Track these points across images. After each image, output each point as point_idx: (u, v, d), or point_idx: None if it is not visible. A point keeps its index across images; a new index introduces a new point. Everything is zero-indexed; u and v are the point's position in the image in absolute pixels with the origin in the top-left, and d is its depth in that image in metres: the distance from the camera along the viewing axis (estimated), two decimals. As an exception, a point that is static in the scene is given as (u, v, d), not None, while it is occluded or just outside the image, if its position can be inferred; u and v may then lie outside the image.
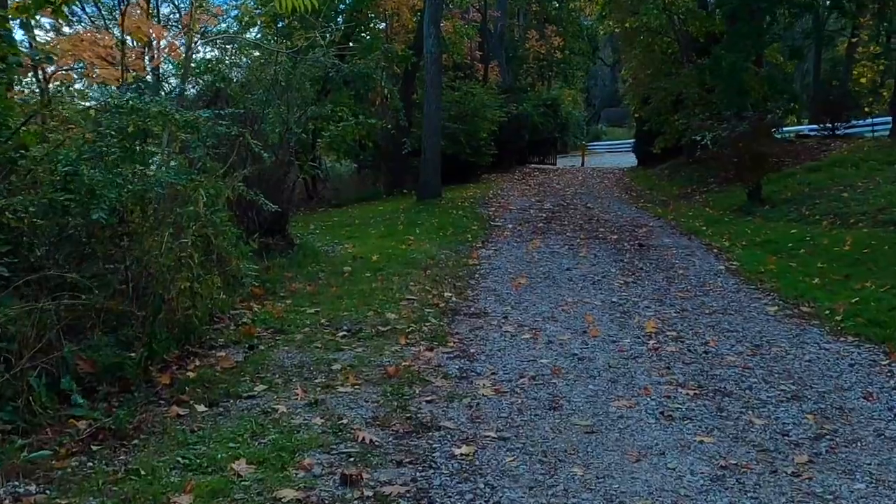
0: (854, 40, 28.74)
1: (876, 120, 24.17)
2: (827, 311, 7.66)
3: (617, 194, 22.48)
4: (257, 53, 13.25)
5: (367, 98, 27.18)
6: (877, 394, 5.29)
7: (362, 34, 26.71)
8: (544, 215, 16.67)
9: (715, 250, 11.87)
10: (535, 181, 26.36)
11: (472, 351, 6.44)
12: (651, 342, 6.62)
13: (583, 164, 36.11)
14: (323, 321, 7.34)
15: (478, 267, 10.53)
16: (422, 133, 20.14)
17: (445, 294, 8.67)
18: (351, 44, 23.88)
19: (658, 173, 26.41)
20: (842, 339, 6.79)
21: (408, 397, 5.25)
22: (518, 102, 32.24)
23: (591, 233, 13.85)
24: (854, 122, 24.38)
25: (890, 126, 21.46)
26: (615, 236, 13.35)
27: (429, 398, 5.24)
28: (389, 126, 20.59)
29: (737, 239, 12.57)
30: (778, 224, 13.71)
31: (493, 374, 5.81)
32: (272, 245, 10.81)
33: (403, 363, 5.99)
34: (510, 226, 14.89)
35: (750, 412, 4.95)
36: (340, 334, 6.88)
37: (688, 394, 5.27)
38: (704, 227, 14.10)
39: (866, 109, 26.85)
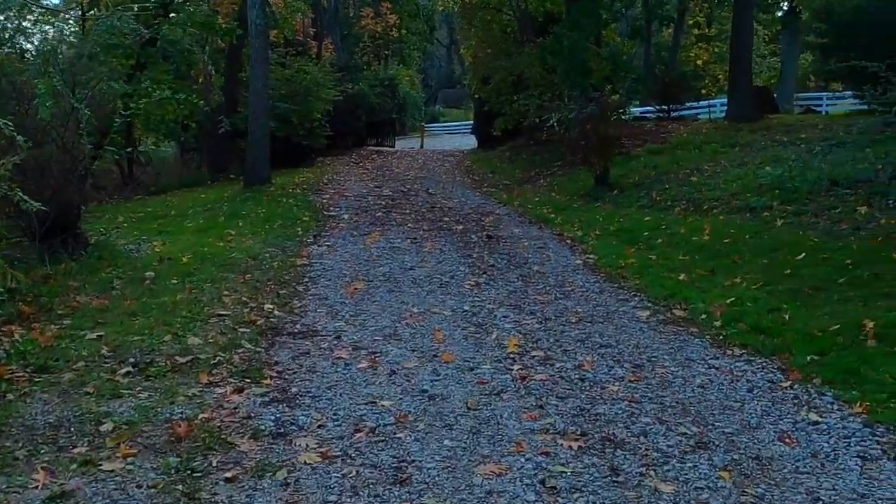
0: (691, 22, 29.10)
1: (712, 102, 24.40)
2: (703, 316, 6.78)
3: (459, 178, 21.50)
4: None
5: (189, 75, 24.89)
6: (792, 433, 4.33)
7: (186, 4, 24.33)
8: (383, 203, 15.35)
9: (568, 241, 10.97)
10: (373, 164, 24.98)
11: (293, 390, 5.03)
12: (516, 367, 5.45)
13: (422, 146, 35.10)
14: (105, 350, 5.71)
15: (308, 268, 9.08)
16: (248, 113, 18.29)
17: (266, 306, 7.19)
18: (171, 15, 21.52)
19: (499, 156, 25.68)
20: (728, 351, 5.88)
21: (200, 474, 3.81)
22: (354, 82, 30.76)
23: (434, 223, 12.66)
24: (689, 104, 24.55)
25: (726, 108, 21.54)
26: (461, 226, 12.23)
27: (230, 474, 3.81)
28: (208, 107, 18.61)
29: (589, 228, 11.74)
30: (630, 210, 13.03)
31: (319, 426, 4.44)
32: (58, 246, 8.94)
33: (201, 415, 4.52)
34: (346, 216, 13.47)
35: (652, 473, 3.83)
36: (123, 371, 5.29)
37: (570, 447, 4.11)
38: (553, 215, 13.23)
39: (703, 91, 27.20)
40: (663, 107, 23.97)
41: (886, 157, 11.27)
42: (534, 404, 4.75)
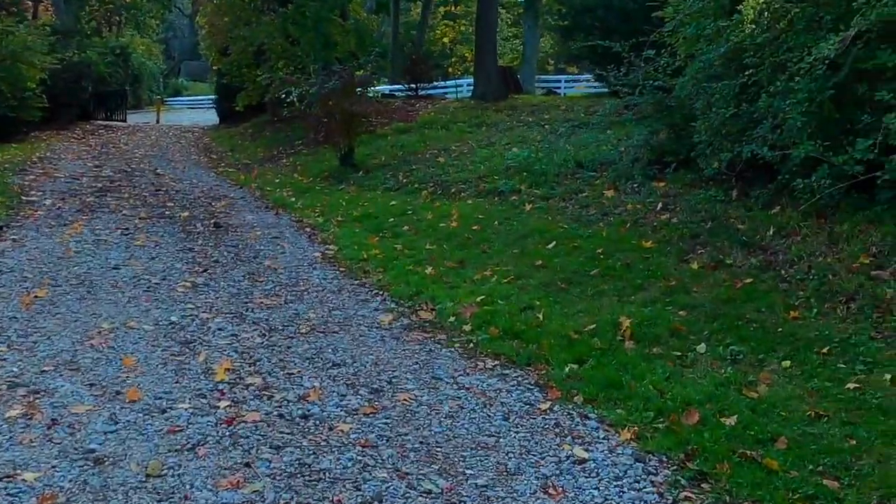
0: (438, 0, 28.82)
1: (459, 81, 24.22)
2: (452, 319, 5.98)
3: (195, 157, 19.63)
4: None
5: None
6: (557, 478, 3.56)
7: None
8: (100, 185, 13.35)
9: (307, 229, 9.88)
10: (97, 141, 22.30)
11: None
12: (223, 404, 4.29)
13: (158, 122, 32.30)
14: None
15: (-23, 271, 7.29)
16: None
17: None
18: None
19: (241, 133, 23.96)
20: (479, 364, 5.09)
21: None
22: (80, 49, 27.56)
23: (155, 209, 11.04)
24: (437, 82, 24.25)
25: (472, 87, 21.35)
26: (186, 213, 10.73)
27: None
28: None
29: (331, 213, 10.72)
30: (375, 194, 12.15)
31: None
32: None
33: None
34: (48, 201, 11.43)
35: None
36: None
37: (281, 530, 3.06)
38: (294, 199, 12.06)
39: (450, 70, 27.03)
40: (412, 85, 23.47)
41: (628, 140, 11.22)
42: (239, 461, 3.63)
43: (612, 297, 6.28)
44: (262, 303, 6.42)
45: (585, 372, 4.80)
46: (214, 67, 27.21)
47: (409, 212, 10.30)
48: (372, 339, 5.55)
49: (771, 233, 7.04)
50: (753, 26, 7.88)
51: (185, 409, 4.18)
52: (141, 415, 4.11)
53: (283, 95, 17.17)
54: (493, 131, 15.69)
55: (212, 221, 10.07)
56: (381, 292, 6.89)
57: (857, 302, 5.53)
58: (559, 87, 27.25)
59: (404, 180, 12.54)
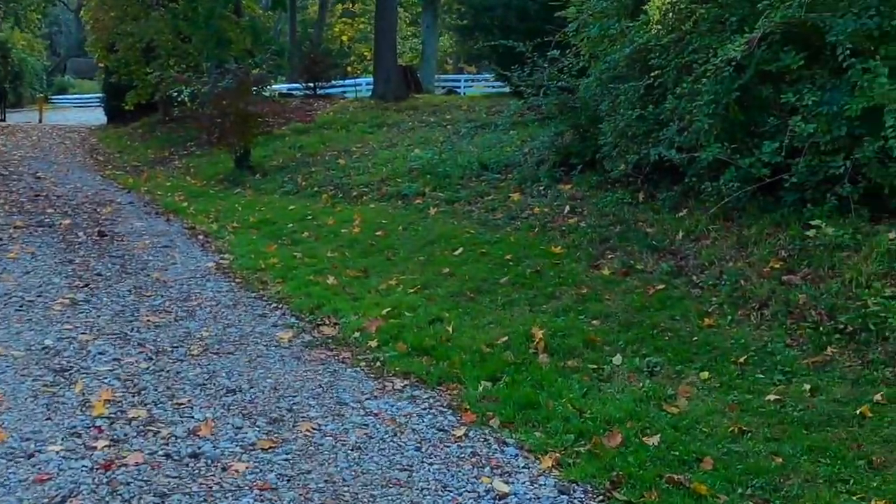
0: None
1: (358, 80, 23.78)
2: (357, 335, 5.62)
3: (80, 159, 18.58)
4: None
5: None
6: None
7: None
8: (-29, 191, 12.41)
9: (201, 236, 9.32)
10: (-29, 142, 20.92)
11: None
12: (101, 444, 3.80)
13: (41, 121, 30.65)
14: None
15: None
16: None
17: None
18: None
19: (130, 133, 22.87)
20: (388, 385, 4.76)
21: None
22: (-48, 43, 25.93)
23: (33, 216, 10.25)
24: (335, 81, 23.74)
25: (372, 86, 20.94)
26: (68, 221, 9.99)
27: None
28: None
29: (226, 219, 10.18)
30: (273, 198, 11.65)
31: None
32: None
33: None
34: (-88, 209, 10.51)
35: None
36: None
37: None
38: (186, 204, 11.43)
39: (349, 69, 26.52)
40: (310, 84, 22.90)
41: (532, 141, 11.08)
42: (116, 515, 3.19)
43: (523, 307, 6.04)
44: (149, 321, 5.90)
45: (500, 391, 4.53)
46: (101, 65, 25.90)
47: (309, 217, 9.86)
48: (270, 359, 5.14)
49: (680, 236, 6.95)
50: (659, 27, 7.80)
51: (57, 453, 3.68)
52: (3, 461, 3.60)
53: (175, 94, 16.42)
54: (394, 132, 15.36)
55: (96, 230, 9.39)
56: (280, 305, 6.47)
57: (770, 308, 5.44)
58: (459, 87, 27.09)
59: (303, 183, 12.07)
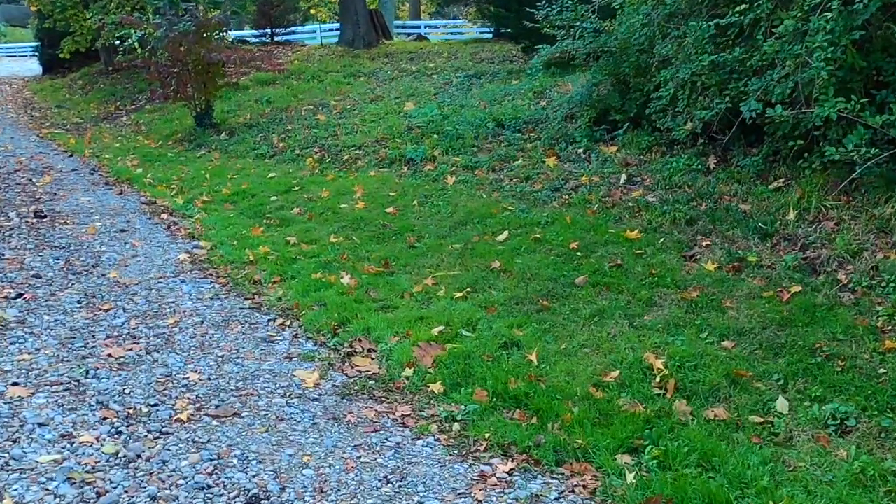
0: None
1: (323, 26, 21.70)
2: (408, 372, 4.02)
3: (12, 115, 16.43)
4: None
5: None
6: None
7: None
8: None
9: (164, 215, 7.57)
10: None
11: None
12: None
13: (-32, 73, 27.97)
14: None
15: None
16: None
17: None
18: None
19: (70, 85, 20.61)
20: (485, 470, 3.19)
21: None
22: None
23: (-47, 191, 8.37)
24: (295, 28, 21.67)
25: (339, 32, 18.97)
26: (-3, 196, 8.15)
27: None
28: None
29: (193, 190, 8.45)
30: (246, 162, 9.86)
31: None
32: None
33: None
34: None
35: None
36: None
37: None
38: (142, 171, 9.60)
39: (312, 12, 24.37)
40: (267, 30, 20.78)
41: (548, 92, 9.47)
42: None
43: (619, 320, 4.49)
44: (109, 355, 4.20)
45: (659, 480, 2.98)
46: (34, 9, 23.37)
47: (296, 188, 8.15)
48: (297, 425, 3.51)
49: (792, 216, 5.45)
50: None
51: None
52: None
53: (120, 40, 14.33)
54: (373, 82, 13.59)
55: (31, 209, 7.58)
56: (286, 320, 4.82)
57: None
58: (423, 33, 25.15)
59: (280, 144, 10.27)
